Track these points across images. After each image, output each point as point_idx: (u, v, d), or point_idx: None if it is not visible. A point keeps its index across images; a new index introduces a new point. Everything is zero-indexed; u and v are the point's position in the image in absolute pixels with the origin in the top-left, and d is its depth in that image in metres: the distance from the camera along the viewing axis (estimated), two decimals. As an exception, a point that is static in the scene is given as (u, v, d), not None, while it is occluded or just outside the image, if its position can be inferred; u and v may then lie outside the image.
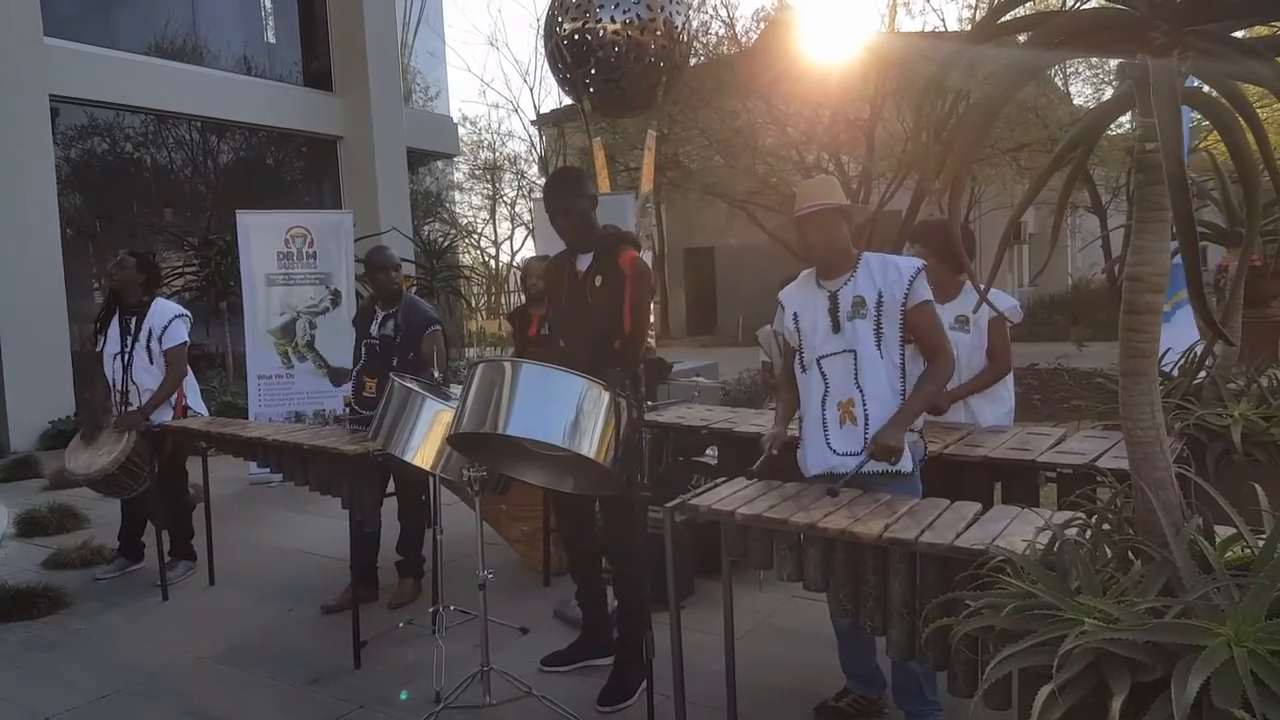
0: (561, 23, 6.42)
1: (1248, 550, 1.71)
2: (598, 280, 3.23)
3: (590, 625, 3.55)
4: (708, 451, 4.32)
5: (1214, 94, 1.57)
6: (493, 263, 26.12)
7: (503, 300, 24.97)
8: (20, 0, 9.07)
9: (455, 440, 2.82)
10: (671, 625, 2.80)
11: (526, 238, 26.08)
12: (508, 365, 2.72)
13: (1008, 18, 1.64)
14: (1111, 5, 1.48)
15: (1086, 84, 14.84)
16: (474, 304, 20.86)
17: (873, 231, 2.60)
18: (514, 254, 26.43)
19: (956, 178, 1.56)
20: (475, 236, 25.35)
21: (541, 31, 6.99)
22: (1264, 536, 1.77)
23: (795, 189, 2.86)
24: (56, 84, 9.46)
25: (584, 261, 3.31)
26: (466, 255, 23.27)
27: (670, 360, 6.08)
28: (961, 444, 3.24)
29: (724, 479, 2.96)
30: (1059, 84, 14.66)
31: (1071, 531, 1.88)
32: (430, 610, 3.71)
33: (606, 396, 2.69)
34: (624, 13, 6.17)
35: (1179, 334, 4.64)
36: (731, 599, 2.82)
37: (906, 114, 11.23)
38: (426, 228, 14.97)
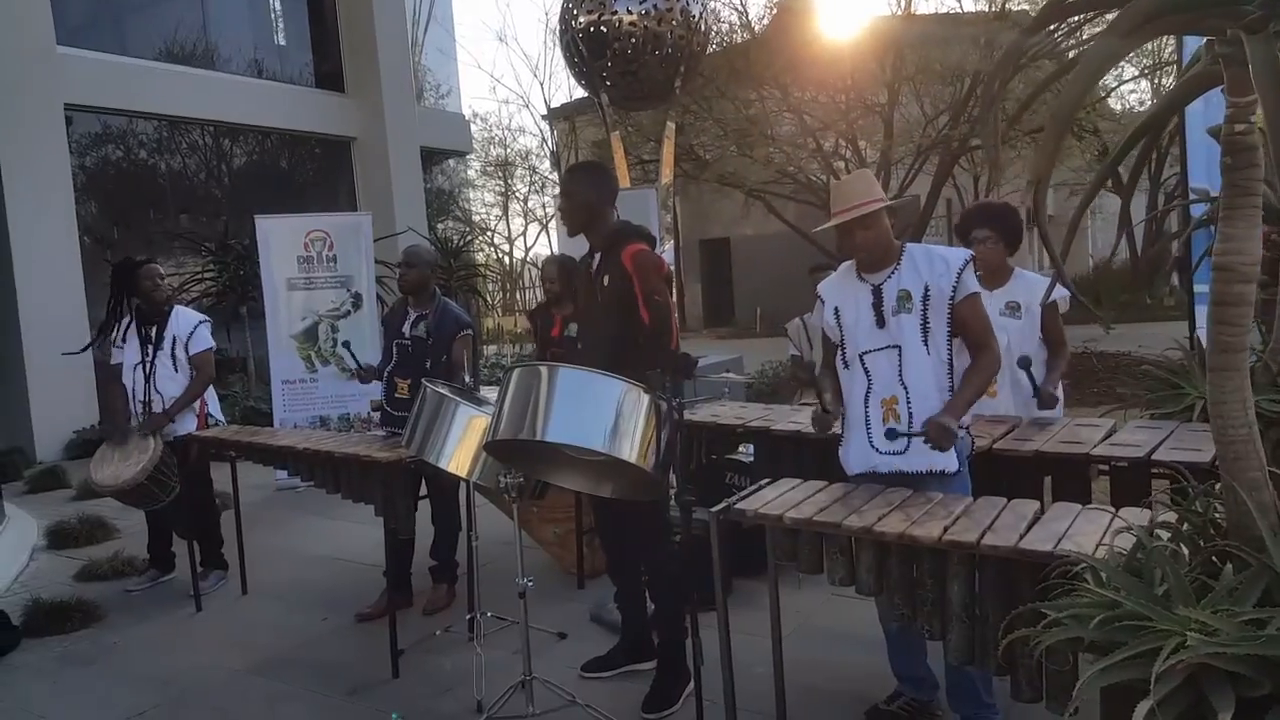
0: (577, 15, 6.33)
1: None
2: (605, 280, 3.17)
3: (630, 629, 3.49)
4: (740, 448, 4.25)
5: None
6: (506, 259, 26.10)
7: (518, 296, 24.95)
8: (33, 10, 9.06)
9: (492, 447, 2.75)
10: (720, 631, 2.73)
11: (540, 233, 26.04)
12: (544, 369, 2.65)
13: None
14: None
15: (1106, 62, 14.59)
16: (490, 301, 20.82)
17: (895, 219, 2.53)
18: (527, 250, 26.42)
19: (1042, 173, 1.47)
20: (489, 233, 25.33)
21: (556, 24, 6.88)
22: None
23: (831, 188, 2.77)
24: (70, 92, 9.46)
25: (596, 260, 3.25)
26: (480, 253, 23.23)
27: (694, 356, 6.00)
28: (1011, 438, 3.14)
29: (767, 480, 2.88)
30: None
31: (1154, 534, 1.79)
32: (467, 618, 3.65)
33: (646, 399, 2.62)
34: (640, 3, 6.07)
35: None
36: (779, 605, 2.75)
37: (924, 98, 11.07)
38: (441, 226, 14.93)
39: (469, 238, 16.74)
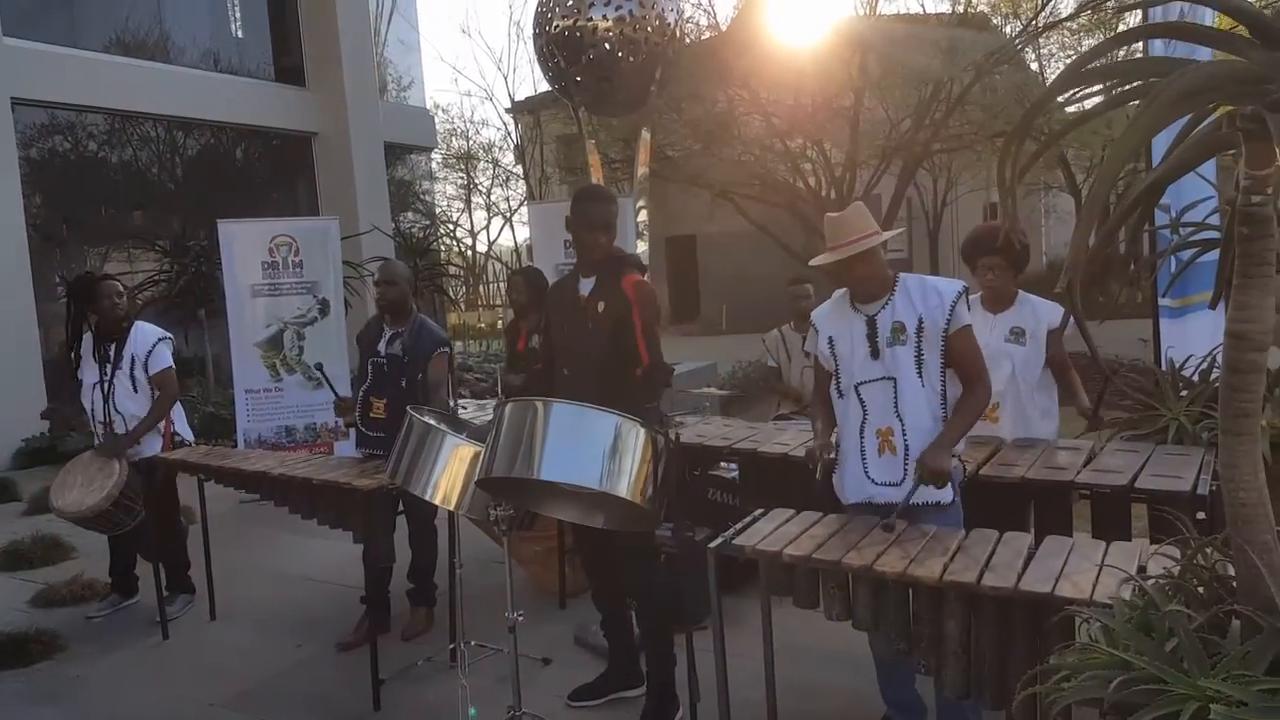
0: (552, 19, 6.24)
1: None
2: (600, 305, 3.13)
3: (617, 655, 3.47)
4: (722, 464, 4.24)
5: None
6: (469, 253, 25.81)
7: (481, 290, 24.72)
8: (-23, 0, 8.72)
9: (484, 483, 2.70)
10: (716, 661, 2.72)
11: (504, 227, 25.82)
12: (539, 405, 2.60)
13: (1091, 66, 1.54)
14: (1224, 59, 1.39)
15: (1063, 67, 14.87)
16: (454, 296, 20.58)
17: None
18: (490, 244, 26.18)
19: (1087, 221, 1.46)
20: (451, 226, 25.02)
21: (531, 28, 6.78)
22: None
23: (827, 221, 2.76)
24: (17, 86, 9.11)
25: (586, 285, 3.21)
26: (442, 245, 22.94)
27: (669, 363, 5.98)
28: (996, 464, 3.18)
29: (761, 511, 2.87)
30: (1034, 69, 14.67)
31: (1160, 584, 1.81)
32: (450, 647, 3.60)
33: (643, 433, 2.58)
34: (616, 9, 6.01)
35: (1191, 335, 4.60)
36: (772, 640, 2.75)
37: (889, 102, 11.16)
38: (402, 219, 14.71)
39: (432, 232, 16.52)
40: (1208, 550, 1.84)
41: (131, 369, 4.36)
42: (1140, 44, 3.69)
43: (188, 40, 11.46)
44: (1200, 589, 1.79)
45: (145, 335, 4.45)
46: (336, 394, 4.03)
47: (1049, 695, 1.70)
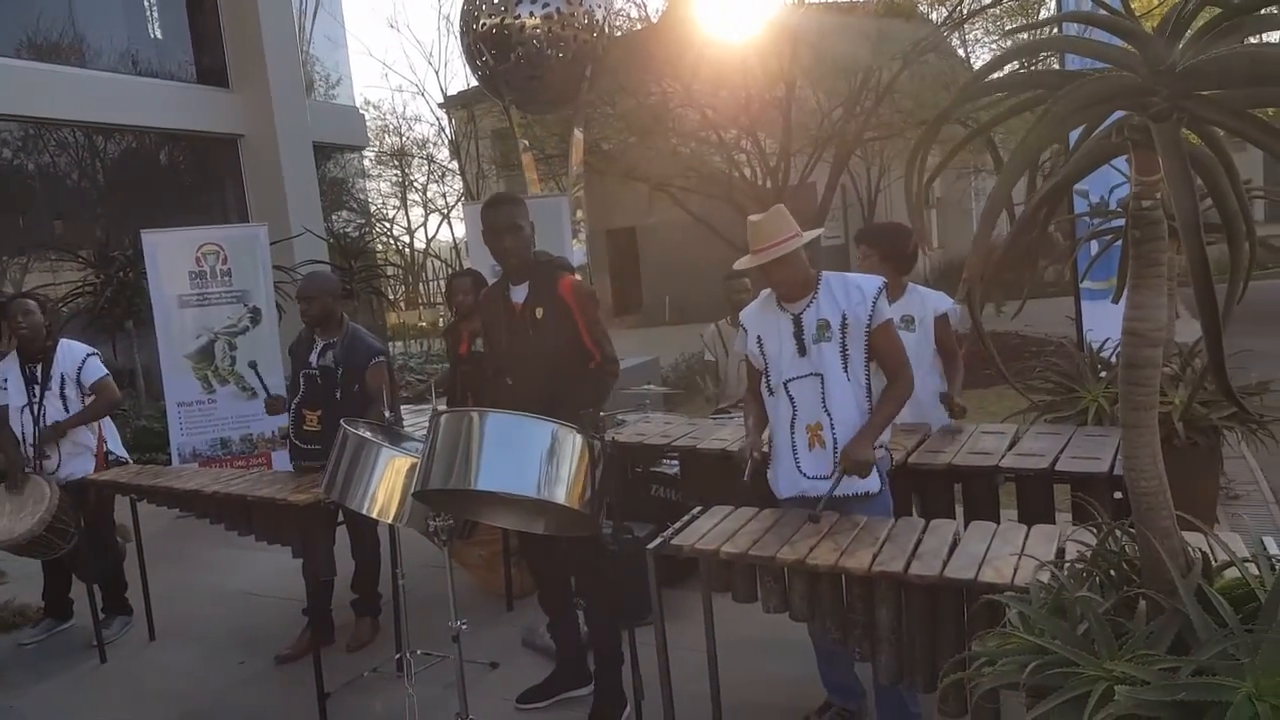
0: (479, 17, 6.19)
1: (1243, 579, 1.74)
2: (538, 312, 3.13)
3: (564, 655, 3.49)
4: (664, 461, 4.29)
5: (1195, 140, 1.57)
6: (407, 251, 25.44)
7: (420, 289, 24.39)
8: None
9: (421, 495, 2.70)
10: (659, 658, 2.76)
11: (441, 223, 25.51)
12: (475, 415, 2.61)
13: (993, 77, 1.61)
14: (1110, 73, 1.46)
15: (989, 53, 15.20)
16: (393, 297, 20.28)
17: (794, 209, 2.59)
18: (429, 241, 25.84)
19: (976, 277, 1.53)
20: (388, 224, 24.63)
21: (458, 25, 6.71)
22: (1249, 560, 1.83)
23: (749, 225, 2.81)
24: (-80, 93, 8.72)
25: (519, 293, 3.20)
26: (379, 244, 22.55)
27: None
28: (924, 451, 3.28)
29: (699, 509, 2.92)
30: (961, 54, 14.98)
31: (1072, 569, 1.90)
32: (396, 657, 3.58)
33: (580, 440, 2.61)
34: (544, 7, 5.98)
35: (1115, 317, 4.77)
36: (714, 636, 2.80)
37: (820, 91, 11.30)
38: (335, 218, 14.42)
39: (367, 231, 16.24)
40: (1118, 534, 1.93)
41: (62, 388, 4.24)
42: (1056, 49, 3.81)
43: (103, 42, 11.05)
44: (1111, 572, 1.88)
45: (73, 352, 4.33)
46: (268, 392, 3.95)
47: (971, 680, 1.78)
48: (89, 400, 4.29)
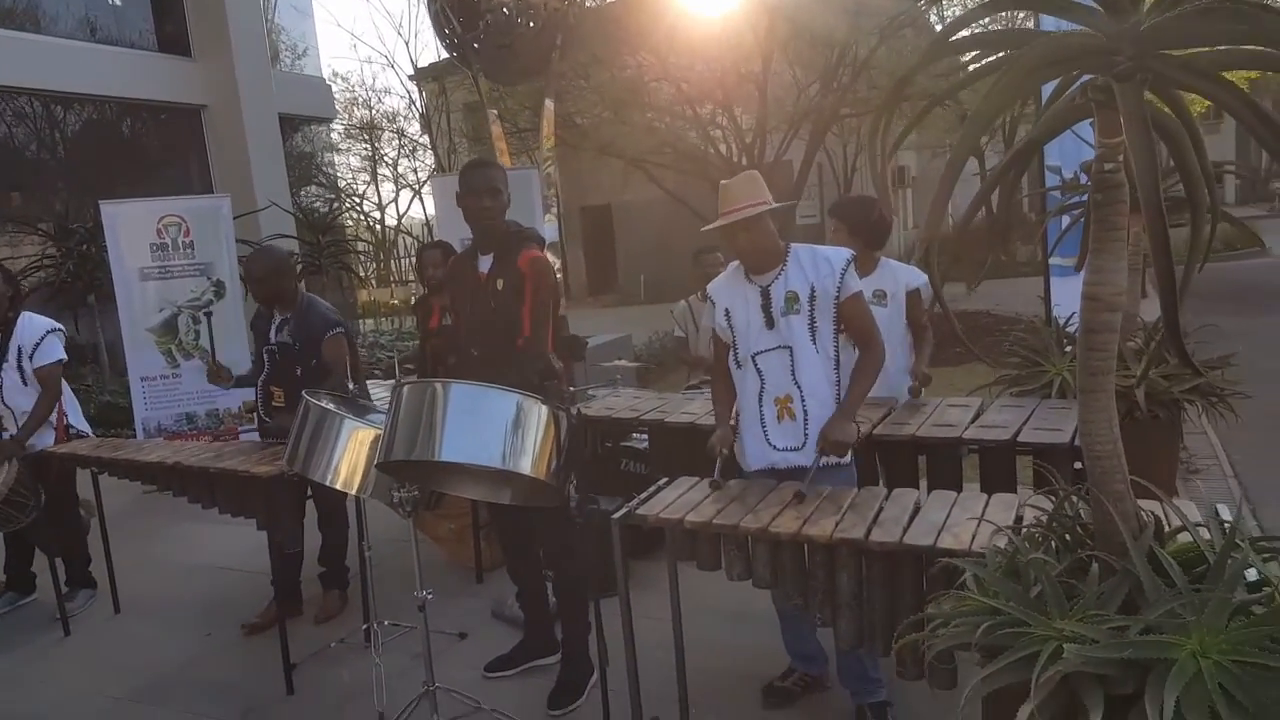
0: (446, -14, 6.09)
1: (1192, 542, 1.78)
2: (499, 283, 3.12)
3: (533, 625, 3.51)
4: (634, 435, 4.29)
5: (1163, 108, 1.58)
6: (378, 227, 25.10)
7: (392, 266, 24.11)
8: None
9: (385, 466, 2.68)
10: (624, 629, 2.78)
11: (413, 199, 25.20)
12: (438, 386, 2.58)
13: (957, 37, 1.60)
14: (1074, 32, 1.46)
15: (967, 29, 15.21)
16: (364, 274, 20.04)
17: (770, 187, 2.58)
18: (400, 217, 25.51)
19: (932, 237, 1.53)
20: (357, 199, 24.26)
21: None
22: (1201, 525, 1.86)
23: (720, 189, 2.79)
24: None
25: (485, 263, 3.19)
26: (349, 220, 22.24)
27: (583, 337, 5.98)
28: (889, 423, 3.31)
29: (665, 480, 2.93)
30: (938, 30, 14.96)
31: (1028, 534, 1.93)
32: (363, 627, 3.57)
33: (545, 410, 2.60)
34: (513, -25, 5.90)
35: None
36: (679, 606, 2.82)
37: (796, 66, 11.25)
38: (304, 193, 14.20)
39: (336, 206, 16.01)
40: (1074, 500, 1.96)
41: (19, 361, 4.14)
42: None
43: (59, 8, 10.74)
44: (1066, 536, 1.91)
45: (35, 326, 4.23)
46: (214, 358, 3.88)
47: (927, 641, 1.81)
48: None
